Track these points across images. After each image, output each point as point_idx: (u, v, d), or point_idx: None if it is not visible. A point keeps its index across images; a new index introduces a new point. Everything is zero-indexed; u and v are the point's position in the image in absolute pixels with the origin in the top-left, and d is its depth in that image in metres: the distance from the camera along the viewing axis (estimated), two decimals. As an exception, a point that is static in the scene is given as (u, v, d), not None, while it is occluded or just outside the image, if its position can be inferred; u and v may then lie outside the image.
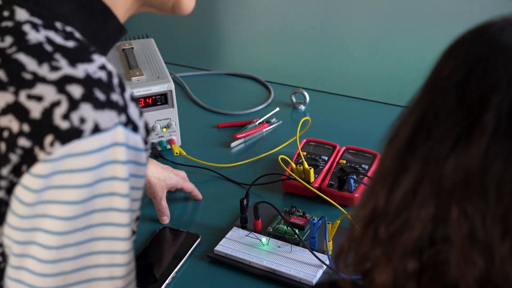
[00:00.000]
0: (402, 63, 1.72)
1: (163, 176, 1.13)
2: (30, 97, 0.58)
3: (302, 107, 1.48)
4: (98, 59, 0.61)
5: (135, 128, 0.61)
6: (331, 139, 1.28)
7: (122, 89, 0.61)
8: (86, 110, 0.57)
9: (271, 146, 1.33)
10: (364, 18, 2.11)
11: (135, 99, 0.63)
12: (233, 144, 1.35)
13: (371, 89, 1.56)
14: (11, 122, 0.58)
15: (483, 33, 0.51)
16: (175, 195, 1.21)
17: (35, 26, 0.62)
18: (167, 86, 1.28)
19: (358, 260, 0.55)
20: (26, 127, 0.57)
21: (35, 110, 0.57)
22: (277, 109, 1.46)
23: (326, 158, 1.22)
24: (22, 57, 0.60)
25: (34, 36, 0.61)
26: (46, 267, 0.59)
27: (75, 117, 0.57)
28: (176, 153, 1.30)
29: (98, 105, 0.58)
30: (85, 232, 0.59)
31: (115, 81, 0.61)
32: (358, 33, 1.98)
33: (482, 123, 0.47)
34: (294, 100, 1.49)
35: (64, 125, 0.57)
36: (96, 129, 0.58)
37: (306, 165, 1.16)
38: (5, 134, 0.58)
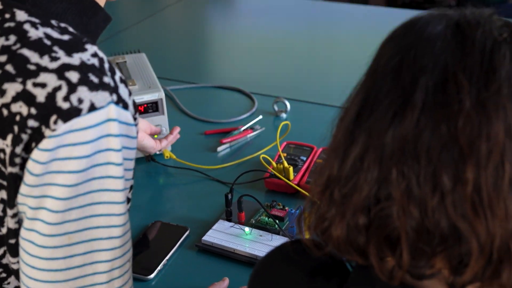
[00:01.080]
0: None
1: None
2: (35, 84, 0.68)
3: (284, 115, 1.59)
4: (91, 48, 0.72)
5: (125, 106, 0.71)
6: (310, 143, 1.39)
7: (113, 73, 0.72)
8: (83, 92, 0.68)
9: (254, 150, 1.43)
10: (342, 33, 2.23)
11: (124, 81, 0.73)
12: (219, 149, 1.45)
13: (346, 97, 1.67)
14: (21, 108, 0.68)
15: (412, 26, 0.61)
16: (166, 192, 1.31)
17: (34, 25, 0.73)
18: (158, 94, 1.39)
19: (317, 221, 0.65)
20: (33, 110, 0.68)
21: (41, 95, 0.68)
22: (260, 117, 1.57)
23: (304, 158, 1.33)
24: (26, 52, 0.70)
25: (34, 33, 0.72)
26: (53, 228, 0.69)
27: (74, 98, 0.68)
28: (167, 156, 1.40)
29: (93, 87, 0.69)
30: (85, 197, 0.69)
31: (106, 66, 0.72)
32: (336, 47, 2.10)
33: (413, 100, 0.57)
34: (276, 108, 1.60)
35: (65, 105, 0.67)
36: (92, 108, 0.68)
37: (285, 164, 1.26)
38: (17, 118, 0.68)
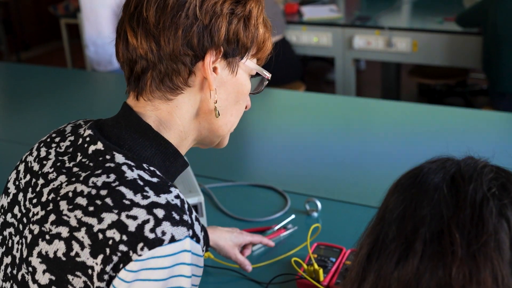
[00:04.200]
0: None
1: (229, 238, 1.42)
2: (128, 216, 0.83)
3: (315, 214, 1.68)
4: (174, 191, 0.87)
5: (197, 240, 0.85)
6: (340, 243, 1.48)
7: (190, 212, 0.87)
8: (166, 226, 0.82)
9: (287, 249, 1.53)
10: (376, 130, 2.34)
11: (198, 219, 0.87)
12: (254, 248, 1.55)
13: (377, 197, 1.76)
14: (114, 234, 0.82)
15: (415, 178, 0.71)
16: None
17: (130, 167, 0.89)
18: (197, 199, 1.50)
19: None
20: (125, 237, 0.82)
21: (132, 225, 0.82)
22: (293, 216, 1.67)
23: (334, 260, 1.42)
24: (123, 189, 0.85)
25: (130, 174, 0.88)
26: None
27: (158, 231, 0.82)
28: (205, 256, 1.50)
29: (174, 223, 0.83)
30: None
31: (186, 206, 0.87)
32: (369, 144, 2.19)
33: (414, 248, 0.67)
34: (307, 208, 1.70)
35: (151, 236, 0.81)
36: (172, 239, 0.82)
37: (316, 266, 1.35)
38: (110, 242, 0.82)
